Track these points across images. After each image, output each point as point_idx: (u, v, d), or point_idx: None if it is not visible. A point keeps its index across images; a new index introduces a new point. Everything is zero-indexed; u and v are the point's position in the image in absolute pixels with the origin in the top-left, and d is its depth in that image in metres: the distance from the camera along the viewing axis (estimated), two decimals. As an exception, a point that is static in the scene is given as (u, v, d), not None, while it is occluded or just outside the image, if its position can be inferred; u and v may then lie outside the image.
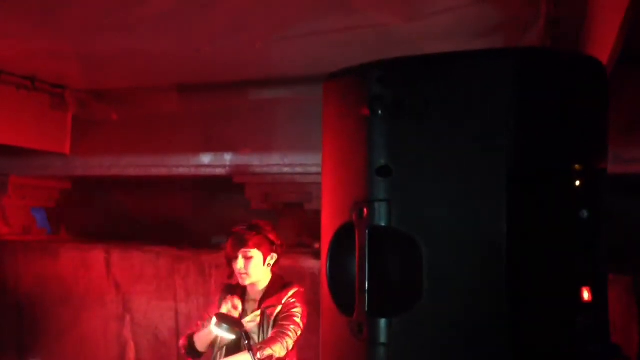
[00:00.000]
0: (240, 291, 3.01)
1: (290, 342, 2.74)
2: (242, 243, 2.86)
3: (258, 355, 2.60)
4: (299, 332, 2.81)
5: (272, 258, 2.93)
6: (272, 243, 2.92)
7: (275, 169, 4.33)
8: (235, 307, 2.90)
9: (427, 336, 1.35)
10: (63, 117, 4.68)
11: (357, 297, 1.40)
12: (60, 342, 4.81)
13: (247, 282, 2.92)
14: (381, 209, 1.38)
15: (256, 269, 2.88)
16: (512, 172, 1.29)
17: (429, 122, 1.38)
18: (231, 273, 2.97)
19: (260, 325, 2.87)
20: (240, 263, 2.87)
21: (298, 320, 2.81)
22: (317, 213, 1.64)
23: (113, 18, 3.05)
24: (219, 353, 2.95)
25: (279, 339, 2.70)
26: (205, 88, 4.33)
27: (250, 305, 3.00)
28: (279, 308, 2.86)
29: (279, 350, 2.68)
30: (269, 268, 2.95)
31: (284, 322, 2.79)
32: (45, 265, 4.96)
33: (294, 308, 2.86)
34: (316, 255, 3.89)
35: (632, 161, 3.20)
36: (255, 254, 2.87)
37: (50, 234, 5.66)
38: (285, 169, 4.30)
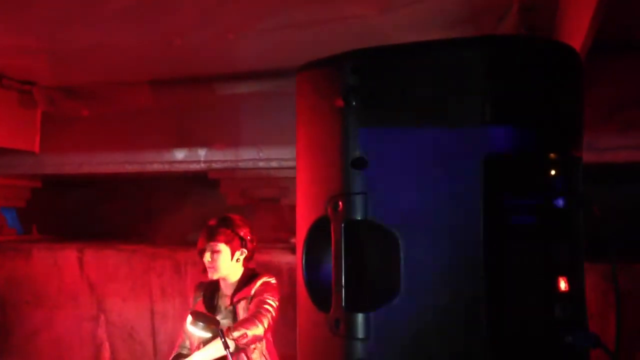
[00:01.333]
0: (214, 288, 2.99)
1: (265, 321, 2.71)
2: (211, 237, 2.87)
3: (233, 335, 2.58)
4: (274, 309, 2.79)
5: (242, 253, 2.92)
6: (241, 239, 2.91)
7: (250, 164, 4.28)
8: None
9: (405, 329, 1.33)
10: (32, 114, 4.57)
11: (334, 293, 1.38)
12: (34, 343, 4.72)
13: (215, 276, 2.91)
14: (357, 202, 1.35)
15: (224, 263, 2.87)
16: (488, 162, 1.28)
17: (404, 112, 1.36)
18: (204, 267, 2.96)
19: (234, 320, 2.86)
20: (207, 256, 2.87)
21: (270, 300, 2.80)
22: (294, 208, 1.61)
23: (81, 12, 2.98)
24: (196, 351, 2.93)
25: (254, 319, 2.69)
26: (177, 83, 4.25)
27: (224, 301, 2.98)
28: (250, 297, 2.86)
29: (254, 329, 2.67)
30: (239, 263, 2.93)
31: (258, 303, 2.78)
32: (17, 265, 4.85)
33: (265, 292, 2.84)
34: (293, 250, 3.87)
35: (606, 150, 3.23)
36: (223, 248, 2.86)
37: (21, 234, 5.55)
38: (261, 164, 4.25)
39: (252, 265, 3.02)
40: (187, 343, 3.04)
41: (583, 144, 1.44)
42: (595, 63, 2.31)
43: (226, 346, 2.36)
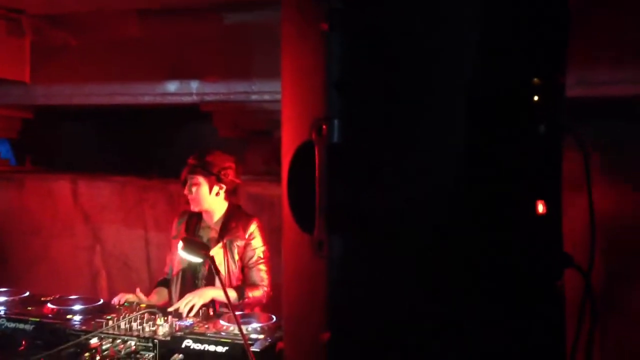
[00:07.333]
0: (197, 217, 3.06)
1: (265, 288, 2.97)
2: (191, 170, 2.95)
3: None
4: (268, 268, 3.00)
5: (221, 188, 2.97)
6: (218, 173, 2.96)
7: (242, 97, 4.26)
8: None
9: (385, 253, 1.36)
10: (21, 43, 4.50)
11: (317, 215, 1.40)
12: (31, 272, 4.81)
13: (196, 209, 3.00)
14: (340, 125, 1.36)
15: (203, 196, 2.95)
16: (472, 86, 1.28)
17: (390, 39, 1.35)
18: (187, 199, 3.05)
19: (225, 257, 2.94)
20: (187, 188, 2.95)
21: (264, 269, 3.00)
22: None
23: None
24: (175, 279, 3.03)
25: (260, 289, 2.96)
26: (166, 12, 4.18)
27: (206, 232, 3.06)
28: (242, 242, 2.94)
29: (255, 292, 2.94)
30: (219, 197, 2.99)
31: (255, 274, 2.98)
32: (11, 196, 4.89)
33: (257, 248, 3.00)
34: (284, 182, 3.89)
35: (599, 84, 3.22)
36: (201, 181, 2.94)
37: (14, 165, 5.56)
38: (253, 97, 4.23)
39: (237, 199, 3.09)
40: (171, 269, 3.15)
41: (575, 77, 1.44)
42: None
43: (217, 271, 2.41)
